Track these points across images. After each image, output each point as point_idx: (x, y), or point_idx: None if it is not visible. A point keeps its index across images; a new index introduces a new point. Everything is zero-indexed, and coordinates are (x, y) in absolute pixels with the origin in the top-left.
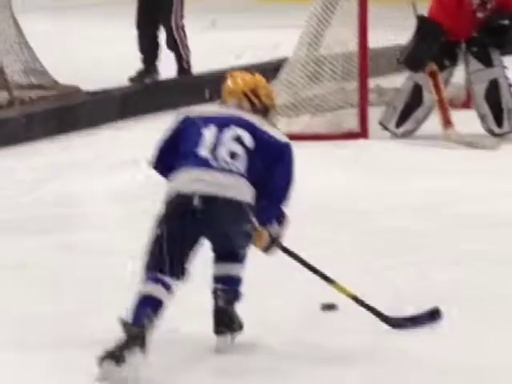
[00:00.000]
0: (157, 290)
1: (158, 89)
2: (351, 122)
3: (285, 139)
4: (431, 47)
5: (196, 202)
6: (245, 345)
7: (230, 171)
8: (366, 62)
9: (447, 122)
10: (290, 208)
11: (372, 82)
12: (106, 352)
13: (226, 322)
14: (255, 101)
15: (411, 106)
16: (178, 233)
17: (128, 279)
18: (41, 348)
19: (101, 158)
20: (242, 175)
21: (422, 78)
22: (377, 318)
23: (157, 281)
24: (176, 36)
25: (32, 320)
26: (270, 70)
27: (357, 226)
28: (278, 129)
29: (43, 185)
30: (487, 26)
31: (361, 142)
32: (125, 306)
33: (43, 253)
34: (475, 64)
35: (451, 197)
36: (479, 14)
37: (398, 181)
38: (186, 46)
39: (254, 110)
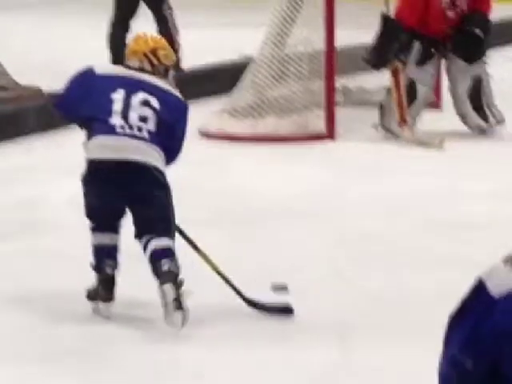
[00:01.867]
0: (104, 238)
1: None
2: (318, 123)
3: (183, 100)
4: (392, 45)
5: (109, 167)
6: None
7: (141, 138)
8: (333, 61)
9: (403, 121)
10: (254, 209)
11: (337, 82)
12: (92, 292)
13: (172, 280)
14: (155, 61)
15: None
16: (98, 198)
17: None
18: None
19: (63, 161)
20: (153, 140)
21: (416, 72)
22: (237, 296)
23: (101, 230)
24: (170, 25)
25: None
26: (235, 69)
27: (326, 230)
28: (176, 89)
29: (3, 189)
30: (460, 33)
31: (328, 143)
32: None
33: (4, 258)
34: (458, 62)
35: (421, 199)
36: (450, 13)
37: (366, 183)
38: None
39: (154, 70)
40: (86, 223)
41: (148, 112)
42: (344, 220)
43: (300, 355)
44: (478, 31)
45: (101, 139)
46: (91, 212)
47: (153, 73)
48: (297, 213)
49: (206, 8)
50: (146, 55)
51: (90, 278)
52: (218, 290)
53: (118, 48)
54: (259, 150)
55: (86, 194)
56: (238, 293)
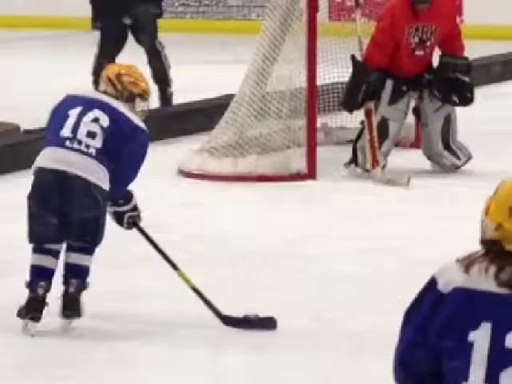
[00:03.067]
0: (43, 260)
1: None
2: (298, 162)
3: (140, 124)
4: (363, 87)
5: (49, 177)
6: None
7: (85, 153)
8: (314, 99)
9: (375, 162)
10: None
11: (319, 121)
12: (23, 310)
13: (73, 307)
14: (118, 86)
15: (378, 141)
16: (41, 205)
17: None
18: None
19: None
20: (97, 156)
21: (388, 111)
22: (213, 314)
23: (41, 251)
24: (163, 60)
25: None
26: (215, 107)
27: (305, 272)
28: (138, 115)
29: None
30: (447, 80)
31: (309, 183)
32: None
33: None
34: (434, 103)
35: (399, 240)
36: (418, 53)
37: (348, 224)
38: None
39: (117, 94)
40: None
41: (96, 129)
42: (326, 261)
43: None
44: (466, 78)
45: (49, 150)
46: (31, 229)
47: (116, 97)
48: (278, 254)
49: (185, 46)
50: (110, 79)
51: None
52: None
53: (97, 78)
54: (239, 190)
55: (29, 209)
56: (213, 309)
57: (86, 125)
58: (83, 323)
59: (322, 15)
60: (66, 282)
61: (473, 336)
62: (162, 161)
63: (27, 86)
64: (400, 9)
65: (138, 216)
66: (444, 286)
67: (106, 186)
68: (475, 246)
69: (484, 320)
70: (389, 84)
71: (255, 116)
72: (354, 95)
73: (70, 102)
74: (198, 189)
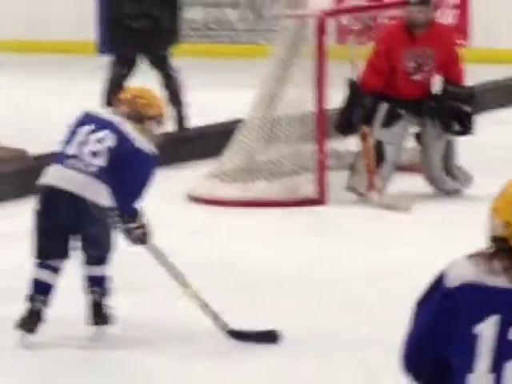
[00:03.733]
0: (44, 275)
1: None
2: (308, 187)
3: (146, 147)
4: (358, 111)
5: (52, 195)
6: None
7: (86, 172)
8: (324, 124)
9: (371, 186)
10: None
11: (328, 146)
12: (20, 322)
13: (101, 314)
14: (133, 108)
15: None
16: (45, 222)
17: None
18: None
19: None
20: (98, 175)
21: (383, 134)
22: (217, 327)
23: (43, 266)
24: (177, 84)
25: None
26: (224, 131)
27: (314, 297)
28: (149, 138)
29: None
30: (449, 109)
31: (318, 208)
32: None
33: None
34: (436, 129)
35: (410, 267)
36: (416, 77)
37: (358, 250)
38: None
39: (131, 115)
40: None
41: (100, 148)
42: (336, 288)
43: None
44: (468, 108)
45: (53, 167)
46: (36, 244)
47: (129, 118)
48: (288, 280)
49: (192, 69)
50: (125, 101)
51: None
52: None
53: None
54: (249, 215)
55: (35, 223)
56: (219, 323)
57: (92, 144)
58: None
59: (330, 39)
60: (88, 293)
61: (479, 329)
62: (171, 186)
63: (34, 111)
64: (396, 33)
65: (147, 234)
66: (453, 281)
67: (107, 202)
68: None
69: (491, 313)
70: (383, 107)
71: (265, 140)
72: (347, 119)
73: (82, 119)
74: (207, 214)
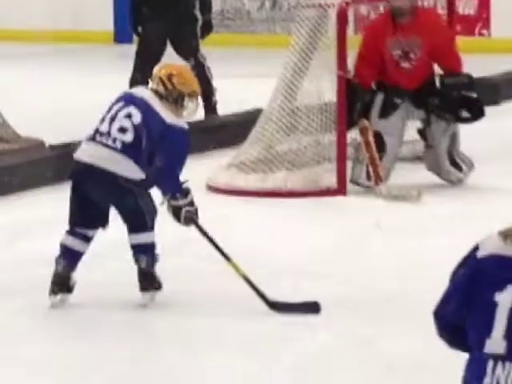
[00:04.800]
0: (72, 242)
1: None
2: (328, 178)
3: (177, 123)
4: (356, 105)
5: (80, 169)
6: None
7: (112, 147)
8: (344, 114)
9: (377, 179)
10: (263, 269)
11: (349, 136)
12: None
13: (148, 280)
14: (168, 86)
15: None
16: (76, 194)
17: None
18: None
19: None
20: (125, 151)
21: (381, 125)
22: (260, 299)
23: (71, 234)
24: (206, 70)
25: None
26: (244, 122)
27: (341, 291)
28: (185, 115)
29: (6, 243)
30: (449, 98)
31: (339, 198)
32: None
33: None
34: (441, 125)
35: (436, 257)
36: (404, 65)
37: (380, 242)
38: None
39: (167, 94)
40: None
41: (127, 124)
42: (359, 280)
43: None
44: (473, 94)
45: (84, 143)
46: (70, 213)
47: (164, 96)
48: (309, 272)
49: (213, 59)
50: (161, 79)
51: (88, 334)
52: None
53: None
54: (268, 206)
55: (70, 195)
56: (261, 296)
57: (120, 120)
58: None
59: (348, 29)
60: (136, 261)
61: (498, 297)
62: (190, 175)
63: (51, 100)
64: (381, 22)
65: (196, 212)
66: (482, 252)
67: (133, 175)
68: None
69: (510, 283)
70: (379, 97)
71: (284, 131)
72: (348, 114)
73: (118, 97)
74: (226, 204)
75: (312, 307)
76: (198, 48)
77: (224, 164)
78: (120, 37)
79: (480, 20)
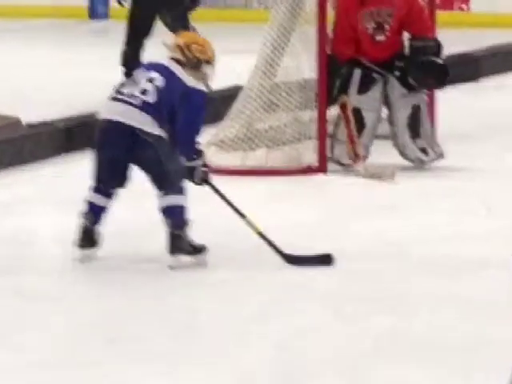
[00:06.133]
0: (96, 198)
1: None
2: (309, 155)
3: (197, 86)
4: (334, 81)
5: (103, 125)
6: None
7: (129, 103)
8: (325, 91)
9: (355, 156)
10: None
11: (329, 113)
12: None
13: (175, 244)
14: (187, 53)
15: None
16: (102, 150)
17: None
18: None
19: (45, 195)
20: (145, 108)
21: (360, 100)
22: (275, 253)
23: (95, 191)
24: None
25: None
26: (222, 99)
27: (321, 270)
28: (202, 79)
29: None
30: (415, 61)
31: (319, 177)
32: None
33: None
34: (399, 89)
35: (417, 237)
36: (378, 38)
37: (360, 221)
38: None
39: (185, 61)
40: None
41: (149, 87)
42: (339, 260)
43: None
44: (439, 60)
45: (105, 103)
46: (93, 171)
47: (184, 63)
48: (288, 249)
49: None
50: (180, 47)
51: (74, 318)
52: None
53: (129, 65)
54: (248, 184)
55: (94, 154)
56: (278, 251)
57: (142, 84)
58: None
59: (329, 5)
60: (164, 223)
61: None
62: None
63: (26, 77)
64: None
65: (210, 173)
66: None
67: (151, 129)
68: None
69: None
70: (357, 73)
71: (264, 108)
72: (327, 90)
73: (143, 65)
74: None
75: (325, 259)
76: (187, 22)
77: (203, 142)
78: (95, 13)
79: None
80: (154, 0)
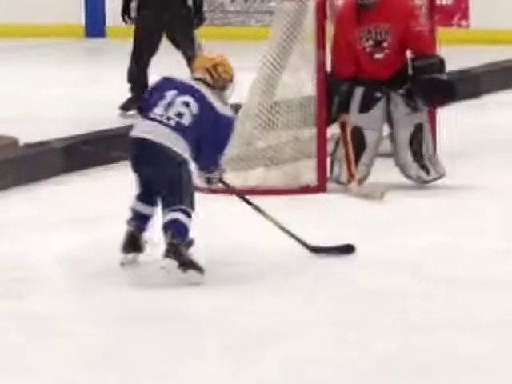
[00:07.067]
0: (140, 206)
1: (104, 139)
2: (308, 174)
3: (227, 113)
4: (334, 99)
5: (134, 144)
6: None
7: (166, 124)
8: (324, 109)
9: (351, 176)
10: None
11: (329, 131)
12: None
13: (172, 250)
14: (215, 75)
15: (356, 152)
16: (136, 167)
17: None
18: None
19: (43, 216)
20: (178, 130)
21: (361, 119)
22: (301, 246)
23: (140, 199)
24: None
25: None
26: None
27: (323, 290)
28: (227, 103)
29: None
30: (420, 80)
31: (319, 196)
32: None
33: None
34: (403, 107)
35: (423, 256)
36: (378, 56)
37: (360, 240)
38: None
39: (213, 83)
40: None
41: (185, 111)
42: (342, 279)
43: None
44: (443, 76)
45: (138, 122)
46: (136, 182)
47: (213, 85)
48: (290, 271)
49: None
50: (207, 69)
51: (77, 341)
52: None
53: (134, 82)
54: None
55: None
56: (301, 242)
57: (177, 106)
58: None
59: (328, 23)
60: (165, 237)
61: None
62: None
63: (23, 97)
64: (347, 14)
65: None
66: None
67: (180, 151)
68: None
69: None
70: (358, 91)
71: (263, 127)
72: (327, 109)
73: (166, 83)
74: (206, 203)
75: (347, 249)
76: (193, 39)
77: None
78: (91, 31)
79: (458, 10)
80: (160, 18)
